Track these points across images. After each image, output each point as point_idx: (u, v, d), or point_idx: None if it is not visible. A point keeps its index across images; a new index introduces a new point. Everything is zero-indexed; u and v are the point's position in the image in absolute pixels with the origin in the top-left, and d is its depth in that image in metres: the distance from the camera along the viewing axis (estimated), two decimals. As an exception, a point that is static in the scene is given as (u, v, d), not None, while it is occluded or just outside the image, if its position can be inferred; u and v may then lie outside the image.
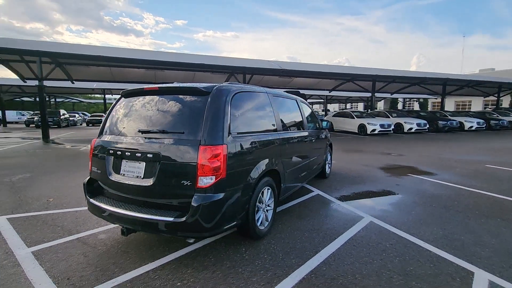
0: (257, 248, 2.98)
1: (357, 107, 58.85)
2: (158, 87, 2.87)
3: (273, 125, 3.52)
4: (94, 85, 26.26)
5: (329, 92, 27.25)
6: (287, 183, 3.81)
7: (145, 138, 2.73)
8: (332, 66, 21.20)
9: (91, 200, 2.94)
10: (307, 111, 4.99)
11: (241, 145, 2.78)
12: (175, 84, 2.93)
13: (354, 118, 16.91)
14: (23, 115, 34.62)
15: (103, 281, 2.40)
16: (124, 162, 2.79)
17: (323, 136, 5.58)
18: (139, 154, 2.67)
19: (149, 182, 2.60)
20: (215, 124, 2.56)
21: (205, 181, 2.44)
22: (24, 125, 28.61)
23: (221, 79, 21.49)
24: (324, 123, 5.50)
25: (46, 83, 16.17)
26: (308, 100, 48.69)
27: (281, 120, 3.76)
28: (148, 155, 2.63)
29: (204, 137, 2.49)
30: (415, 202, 4.50)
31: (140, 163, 2.69)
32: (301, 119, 4.53)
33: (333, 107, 60.78)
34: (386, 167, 7.34)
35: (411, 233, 3.35)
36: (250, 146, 2.93)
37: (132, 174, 2.72)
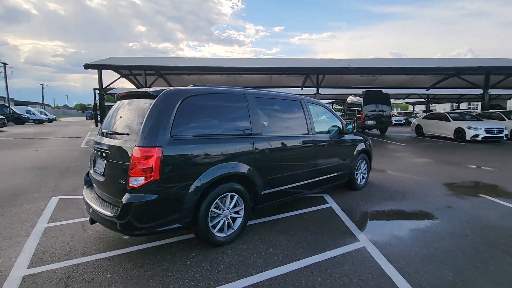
0: (206, 256, 2.87)
1: (476, 107, 48.04)
2: (125, 92, 3.14)
3: (248, 128, 3.31)
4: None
5: (427, 90, 23.21)
6: (272, 191, 3.52)
7: (108, 138, 3.03)
8: (420, 60, 17.96)
9: (84, 189, 3.45)
10: (318, 114, 4.46)
11: (185, 148, 2.74)
12: (136, 90, 3.14)
13: (450, 120, 13.89)
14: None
15: (63, 260, 2.78)
16: (97, 159, 3.17)
17: (348, 142, 4.86)
18: (100, 153, 3.00)
19: (103, 178, 2.88)
20: (152, 127, 2.61)
21: (135, 181, 2.53)
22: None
23: (297, 81, 21.27)
24: (349, 126, 4.77)
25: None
26: (406, 100, 42.49)
27: (263, 123, 3.50)
28: (103, 154, 2.92)
29: (139, 139, 2.59)
30: (452, 233, 3.42)
31: (103, 161, 3.01)
32: (304, 122, 4.08)
33: (444, 108, 51.31)
34: (453, 183, 5.80)
35: (402, 272, 2.58)
36: (200, 149, 2.85)
37: (99, 170, 3.07)
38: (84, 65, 13.20)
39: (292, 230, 3.51)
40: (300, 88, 22.46)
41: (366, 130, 19.01)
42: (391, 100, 18.18)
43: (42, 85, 75.09)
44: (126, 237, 3.03)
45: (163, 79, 21.31)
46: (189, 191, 2.74)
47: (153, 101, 2.75)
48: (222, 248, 3.02)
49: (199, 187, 2.79)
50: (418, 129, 16.09)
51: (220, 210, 3.03)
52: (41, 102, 71.94)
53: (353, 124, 4.86)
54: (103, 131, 3.20)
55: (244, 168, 3.18)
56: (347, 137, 4.86)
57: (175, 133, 2.71)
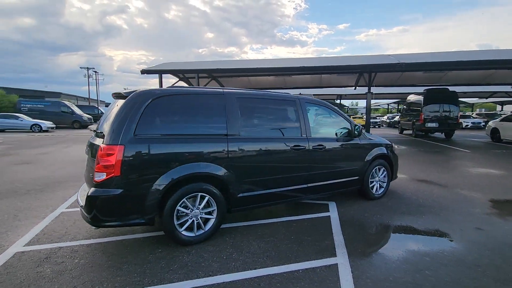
0: (168, 254, 2.91)
1: None
2: (113, 93, 3.38)
3: (223, 129, 3.24)
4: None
5: (514, 88, 19.36)
6: (250, 194, 3.39)
7: (96, 138, 3.31)
8: (498, 51, 14.94)
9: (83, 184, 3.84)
10: (319, 115, 4.12)
11: (149, 147, 2.82)
12: (122, 91, 3.34)
13: (536, 124, 11.35)
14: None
15: (54, 242, 3.15)
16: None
17: (357, 146, 4.36)
18: (87, 151, 3.30)
19: (86, 174, 3.17)
20: (116, 126, 2.77)
21: (99, 176, 2.71)
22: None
23: (350, 80, 20.02)
24: (357, 129, 4.26)
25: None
26: (491, 99, 35.92)
27: (242, 124, 3.38)
28: (89, 151, 3.21)
29: (105, 137, 2.77)
30: (460, 260, 2.79)
31: (89, 158, 3.30)
32: (297, 124, 3.80)
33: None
34: (505, 200, 4.72)
35: (364, 298, 2.21)
36: (165, 149, 2.90)
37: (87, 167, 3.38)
38: (141, 71, 14.72)
39: (272, 236, 3.33)
40: (354, 87, 21.10)
41: (428, 134, 16.83)
42: (468, 99, 15.67)
43: (125, 89, 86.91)
44: (94, 228, 3.25)
45: (216, 81, 22.51)
46: (152, 188, 2.82)
47: (124, 101, 2.92)
48: (189, 248, 3.03)
49: (162, 186, 2.85)
50: (494, 133, 13.54)
51: (188, 209, 3.05)
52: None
53: (361, 127, 4.34)
54: (95, 130, 3.52)
55: (215, 169, 3.13)
56: (357, 141, 4.37)
57: (140, 132, 2.82)
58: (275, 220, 3.82)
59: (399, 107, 19.62)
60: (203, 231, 3.15)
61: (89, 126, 26.59)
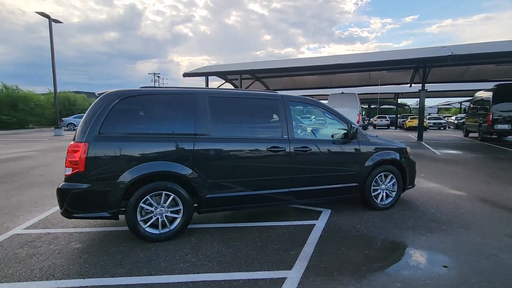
0: (129, 249, 2.99)
1: None
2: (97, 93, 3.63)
3: (191, 129, 3.21)
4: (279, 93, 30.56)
5: None
6: (221, 195, 3.30)
7: None
8: None
9: None
10: (308, 115, 3.78)
11: (112, 145, 2.95)
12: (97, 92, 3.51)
13: None
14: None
15: (48, 228, 3.53)
16: None
17: (354, 149, 3.88)
18: None
19: None
20: (83, 125, 2.95)
21: (67, 172, 2.93)
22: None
23: (403, 77, 18.15)
24: (353, 131, 3.77)
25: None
26: None
27: (213, 124, 3.30)
28: None
29: (75, 135, 2.98)
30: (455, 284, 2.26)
31: None
32: (278, 125, 3.55)
33: None
34: (560, 223, 3.69)
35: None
36: (129, 147, 2.99)
37: None
38: (183, 74, 15.65)
39: (239, 241, 3.18)
40: (409, 84, 19.08)
41: (501, 137, 14.26)
42: None
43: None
44: (64, 218, 3.49)
45: (260, 82, 22.68)
46: (115, 185, 2.94)
47: (94, 101, 3.11)
48: (152, 245, 3.07)
49: (125, 183, 2.95)
50: None
51: (152, 207, 3.10)
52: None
53: (357, 128, 3.83)
54: None
55: (180, 168, 3.12)
56: (354, 143, 3.89)
57: (105, 131, 2.97)
58: (254, 224, 3.65)
59: (468, 107, 17.03)
60: (168, 229, 3.17)
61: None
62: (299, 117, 4.37)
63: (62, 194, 2.91)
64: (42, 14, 17.61)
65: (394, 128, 30.35)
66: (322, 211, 4.10)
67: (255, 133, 3.55)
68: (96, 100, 3.09)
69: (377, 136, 4.27)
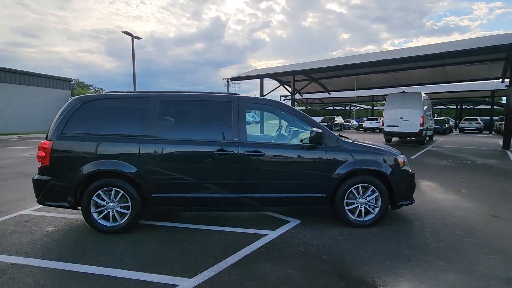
0: (77, 236, 3.34)
1: None
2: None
3: (140, 130, 3.38)
4: (341, 94, 28.40)
5: None
6: (165, 195, 3.38)
7: None
8: None
9: None
10: (267, 118, 3.51)
11: (71, 144, 3.34)
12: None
13: None
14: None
15: (50, 211, 4.21)
16: None
17: (317, 155, 3.43)
18: None
19: None
20: (52, 125, 3.43)
21: (38, 165, 3.46)
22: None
23: (492, 70, 14.88)
24: (313, 135, 3.30)
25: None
26: None
27: (160, 125, 3.41)
28: None
29: (47, 134, 3.49)
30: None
31: None
32: (228, 127, 3.42)
33: None
34: None
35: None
36: (84, 146, 3.35)
37: None
38: (231, 78, 16.25)
39: (177, 243, 3.18)
40: (501, 80, 15.57)
41: None
42: None
43: (255, 94, 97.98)
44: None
45: (318, 84, 21.82)
46: (72, 179, 3.33)
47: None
48: (104, 236, 3.32)
49: (78, 177, 3.31)
50: None
51: (103, 201, 3.39)
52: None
53: (323, 132, 3.33)
54: None
55: (127, 167, 3.32)
56: (320, 149, 3.45)
57: (67, 131, 3.39)
58: (209, 228, 3.58)
59: None
60: (118, 223, 3.40)
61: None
62: (270, 120, 4.10)
63: (35, 184, 3.44)
64: (126, 33, 20.85)
65: (488, 133, 25.15)
66: (289, 221, 3.76)
67: (205, 135, 3.51)
68: (66, 103, 3.55)
69: (354, 141, 3.69)
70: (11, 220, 3.89)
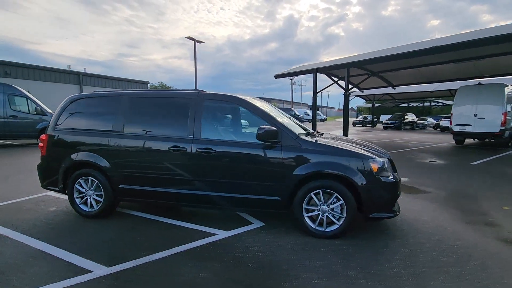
0: (61, 219, 3.80)
1: None
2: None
3: (110, 126, 3.67)
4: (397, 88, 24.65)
5: None
6: (130, 187, 3.59)
7: None
8: None
9: None
10: (217, 114, 3.43)
11: (61, 137, 3.85)
12: None
13: None
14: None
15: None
16: None
17: (271, 155, 3.13)
18: None
19: None
20: (50, 120, 4.01)
21: (40, 154, 4.08)
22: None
23: None
24: (261, 131, 2.99)
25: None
26: None
27: (126, 121, 3.64)
28: None
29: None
30: None
31: None
32: (185, 123, 3.41)
33: None
34: None
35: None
36: (69, 139, 3.82)
37: None
38: (274, 76, 15.96)
39: (132, 232, 3.36)
40: None
41: None
42: None
43: (321, 92, 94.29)
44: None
45: (379, 79, 19.79)
46: (60, 166, 3.83)
47: (62, 102, 4.14)
48: (82, 220, 3.74)
49: (64, 166, 3.80)
50: None
51: (83, 188, 3.80)
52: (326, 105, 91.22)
53: (276, 129, 3.02)
54: None
55: (99, 160, 3.65)
56: (277, 149, 3.15)
57: (59, 126, 3.91)
58: (172, 221, 3.65)
59: None
60: (94, 209, 3.78)
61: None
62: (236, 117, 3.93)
63: (38, 171, 4.09)
64: (189, 38, 22.68)
65: None
66: (252, 223, 3.57)
67: (164, 131, 3.59)
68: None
69: (317, 141, 3.24)
70: (34, 199, 4.68)
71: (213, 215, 3.92)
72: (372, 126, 34.77)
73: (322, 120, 53.07)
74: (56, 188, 3.95)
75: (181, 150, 3.39)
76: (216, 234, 3.28)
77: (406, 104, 43.51)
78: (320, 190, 3.08)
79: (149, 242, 3.10)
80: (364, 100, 47.34)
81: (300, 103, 68.57)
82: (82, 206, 3.82)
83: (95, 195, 3.77)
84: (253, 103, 3.45)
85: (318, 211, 3.13)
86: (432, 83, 19.78)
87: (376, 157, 3.16)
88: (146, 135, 3.60)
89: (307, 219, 3.16)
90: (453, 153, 10.94)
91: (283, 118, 3.65)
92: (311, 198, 3.13)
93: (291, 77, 57.90)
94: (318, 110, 69.94)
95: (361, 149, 3.31)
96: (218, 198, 3.37)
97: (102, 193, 3.70)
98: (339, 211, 3.09)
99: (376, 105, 40.02)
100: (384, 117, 41.28)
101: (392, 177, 3.17)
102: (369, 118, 37.02)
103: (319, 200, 3.12)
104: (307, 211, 3.16)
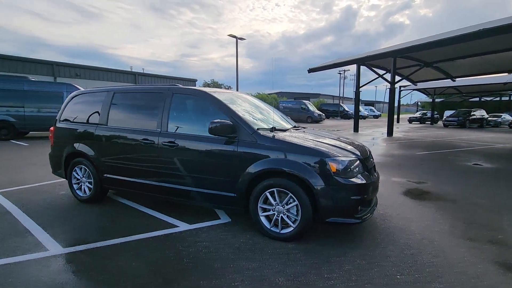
0: (69, 202, 4.27)
1: None
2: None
3: (96, 119, 3.97)
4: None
5: None
6: (112, 177, 3.85)
7: None
8: None
9: None
10: (185, 108, 3.46)
11: (63, 129, 4.31)
12: None
13: None
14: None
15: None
16: None
17: (227, 150, 3.03)
18: None
19: None
20: (58, 114, 4.50)
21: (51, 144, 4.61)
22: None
23: None
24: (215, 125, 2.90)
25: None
26: None
27: (110, 115, 3.91)
28: None
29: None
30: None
31: None
32: (156, 117, 3.52)
33: None
34: None
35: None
36: (68, 130, 4.24)
37: None
38: (308, 70, 15.26)
39: (107, 218, 3.62)
40: None
41: None
42: None
43: (376, 87, 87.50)
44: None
45: (434, 70, 17.60)
46: (61, 155, 4.31)
47: (68, 98, 4.61)
48: (77, 203, 4.16)
49: (63, 155, 4.25)
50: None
51: (79, 176, 4.21)
52: (382, 101, 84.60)
53: (232, 124, 2.94)
54: None
55: (88, 150, 4.00)
56: (233, 143, 3.03)
57: (63, 119, 4.39)
58: (149, 211, 3.82)
59: None
60: (87, 195, 4.15)
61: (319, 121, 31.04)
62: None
63: (49, 159, 4.65)
64: (231, 36, 23.19)
65: None
66: (220, 219, 3.54)
67: (140, 124, 3.72)
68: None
69: (274, 136, 3.01)
70: (56, 183, 5.31)
71: (190, 208, 3.97)
72: (431, 123, 31.21)
73: (376, 117, 49.74)
74: (59, 174, 4.45)
75: (150, 143, 3.51)
76: (178, 227, 3.33)
77: (477, 99, 37.95)
78: (275, 189, 2.89)
79: (114, 229, 3.29)
80: (425, 95, 42.72)
81: (352, 98, 64.92)
82: (78, 192, 4.23)
83: (87, 183, 4.13)
84: (216, 97, 3.39)
85: (274, 211, 2.95)
86: (504, 74, 16.91)
87: (339, 155, 2.83)
88: (124, 128, 3.81)
89: (262, 219, 3.00)
90: (512, 156, 9.23)
91: (253, 114, 3.53)
92: (267, 197, 2.96)
93: (340, 72, 55.28)
94: (373, 106, 65.51)
95: (327, 146, 3.00)
96: (183, 191, 3.41)
97: (92, 180, 4.04)
98: (295, 213, 2.86)
99: (439, 100, 35.84)
100: (448, 113, 36.75)
101: (360, 179, 2.81)
102: (429, 114, 33.25)
103: (275, 200, 2.93)
104: (263, 210, 3.00)
